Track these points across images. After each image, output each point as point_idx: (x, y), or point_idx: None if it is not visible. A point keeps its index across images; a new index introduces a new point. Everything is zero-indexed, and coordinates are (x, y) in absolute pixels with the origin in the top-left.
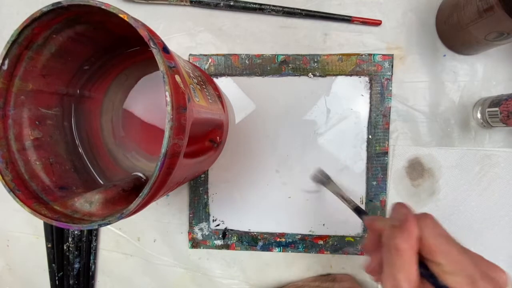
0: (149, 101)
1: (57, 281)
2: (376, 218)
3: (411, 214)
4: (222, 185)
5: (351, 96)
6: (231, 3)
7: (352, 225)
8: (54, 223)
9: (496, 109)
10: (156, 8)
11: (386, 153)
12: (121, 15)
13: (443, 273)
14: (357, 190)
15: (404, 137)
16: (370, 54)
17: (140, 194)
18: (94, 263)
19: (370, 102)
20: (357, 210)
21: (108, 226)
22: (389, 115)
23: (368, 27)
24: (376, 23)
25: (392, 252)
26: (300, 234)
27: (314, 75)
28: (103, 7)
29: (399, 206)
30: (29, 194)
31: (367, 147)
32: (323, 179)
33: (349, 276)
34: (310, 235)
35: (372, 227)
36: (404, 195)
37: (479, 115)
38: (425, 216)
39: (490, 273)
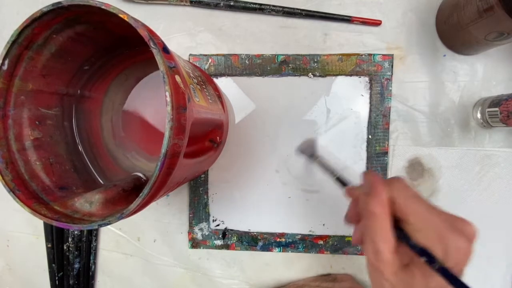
0: (149, 101)
1: (57, 281)
2: (353, 188)
3: (379, 179)
4: (222, 185)
5: (351, 96)
6: (231, 3)
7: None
8: (54, 223)
9: (496, 109)
10: (156, 8)
11: (386, 153)
12: (121, 15)
13: (413, 231)
14: None
15: (404, 137)
16: (370, 54)
17: (140, 194)
18: (94, 263)
19: (370, 102)
20: (339, 180)
21: (108, 226)
22: (389, 115)
23: (368, 27)
24: (376, 23)
25: (367, 217)
26: (300, 234)
27: (314, 75)
28: (103, 7)
29: (367, 174)
30: (29, 194)
31: (367, 147)
32: (309, 152)
33: (349, 276)
34: (310, 235)
35: (350, 196)
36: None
37: (479, 115)
38: (396, 180)
39: (458, 226)
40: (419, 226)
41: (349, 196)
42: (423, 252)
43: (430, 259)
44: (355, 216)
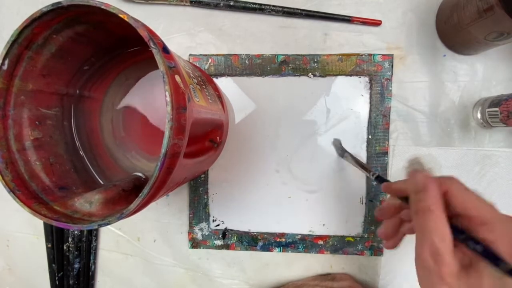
0: (149, 101)
1: (57, 281)
2: (400, 182)
3: (429, 176)
4: (222, 185)
5: (351, 96)
6: (231, 3)
7: (352, 225)
8: (54, 223)
9: (496, 109)
10: (156, 8)
11: (386, 153)
12: (121, 15)
13: (476, 225)
14: (357, 190)
15: (404, 137)
16: (370, 54)
17: (140, 194)
18: (94, 263)
19: (370, 102)
20: (379, 179)
21: (108, 226)
22: (389, 115)
23: (368, 27)
24: (376, 23)
25: (421, 215)
26: (300, 234)
27: (314, 75)
28: (103, 7)
29: (415, 172)
30: (29, 194)
31: (367, 147)
32: (339, 151)
33: (348, 275)
34: (310, 235)
35: (390, 189)
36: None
37: (479, 115)
38: (450, 177)
39: None
40: (483, 219)
41: (388, 191)
42: (485, 251)
43: (493, 257)
44: (391, 210)
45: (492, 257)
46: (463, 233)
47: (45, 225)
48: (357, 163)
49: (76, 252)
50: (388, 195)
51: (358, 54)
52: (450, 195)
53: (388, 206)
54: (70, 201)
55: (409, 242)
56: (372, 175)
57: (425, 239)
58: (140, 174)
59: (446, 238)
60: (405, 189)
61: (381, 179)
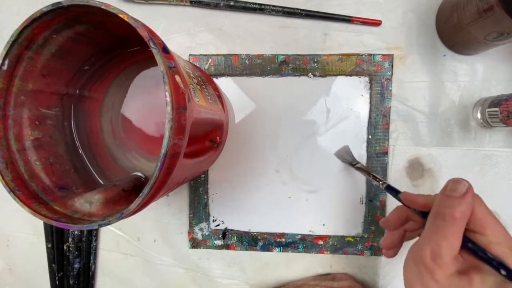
0: (149, 101)
1: (57, 281)
2: (417, 195)
3: (471, 186)
4: (222, 185)
5: (351, 96)
6: (231, 3)
7: (352, 225)
8: (54, 223)
9: (496, 109)
10: (156, 8)
11: (386, 153)
12: (121, 15)
13: (489, 243)
14: (357, 190)
15: (404, 137)
16: (370, 54)
17: (140, 194)
18: (94, 263)
19: (370, 102)
20: (389, 188)
21: (108, 226)
22: (389, 115)
23: (368, 27)
24: (376, 23)
25: (443, 219)
26: (300, 234)
27: (314, 75)
28: (103, 7)
29: (459, 179)
30: (29, 194)
31: (367, 147)
32: (348, 158)
33: (348, 275)
34: (310, 235)
35: (412, 202)
36: (428, 194)
37: (479, 115)
38: (477, 194)
39: None
40: (497, 239)
41: (408, 203)
42: (502, 265)
43: (509, 272)
44: (397, 222)
45: (508, 270)
46: (477, 246)
47: (45, 225)
48: (368, 173)
49: (76, 252)
50: (393, 205)
51: (358, 54)
52: (474, 212)
53: (394, 218)
54: (70, 201)
55: (408, 242)
56: (382, 185)
57: (433, 241)
58: (140, 174)
59: (455, 247)
60: (427, 202)
61: (392, 188)
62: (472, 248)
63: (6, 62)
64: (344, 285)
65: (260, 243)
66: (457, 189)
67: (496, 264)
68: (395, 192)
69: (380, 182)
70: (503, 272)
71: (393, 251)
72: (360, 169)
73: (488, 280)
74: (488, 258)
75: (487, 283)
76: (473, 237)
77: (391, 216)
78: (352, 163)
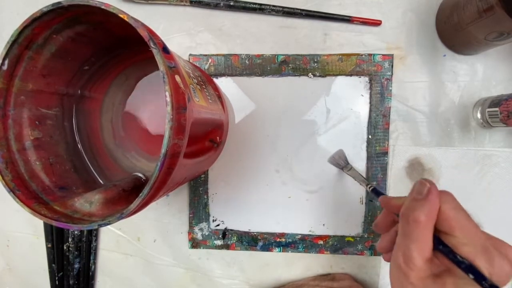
0: (149, 101)
1: (57, 281)
2: (392, 197)
3: (435, 187)
4: (222, 185)
5: (351, 96)
6: (231, 3)
7: (352, 225)
8: (54, 223)
9: (496, 109)
10: (156, 8)
11: (386, 153)
12: (121, 15)
13: (459, 244)
14: (357, 190)
15: (404, 137)
16: (370, 54)
17: (140, 194)
18: (94, 263)
19: (370, 102)
20: (375, 191)
21: (108, 226)
22: (389, 115)
23: (368, 27)
24: (376, 23)
25: (410, 223)
26: (300, 234)
27: (314, 75)
28: (103, 7)
29: (422, 181)
30: (29, 194)
31: (367, 147)
32: (341, 163)
33: (348, 275)
34: (310, 235)
35: (388, 205)
36: (404, 195)
37: (479, 115)
38: (445, 192)
39: (502, 249)
40: (467, 240)
41: (384, 206)
42: (471, 269)
43: (477, 276)
44: (385, 225)
45: (476, 274)
46: (449, 250)
47: (45, 225)
48: (357, 175)
49: (76, 252)
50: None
51: (358, 54)
52: (441, 212)
53: (382, 221)
54: (70, 201)
55: None
56: (369, 188)
57: (404, 245)
58: (140, 174)
59: (425, 249)
60: (399, 205)
61: (377, 191)
62: (443, 250)
63: (6, 62)
64: (344, 285)
65: (260, 243)
66: (421, 191)
67: (465, 267)
68: (377, 195)
69: (368, 186)
70: (471, 275)
71: (390, 254)
72: (350, 172)
73: (461, 284)
74: (457, 261)
75: (460, 287)
76: (444, 238)
77: (379, 219)
78: (344, 168)
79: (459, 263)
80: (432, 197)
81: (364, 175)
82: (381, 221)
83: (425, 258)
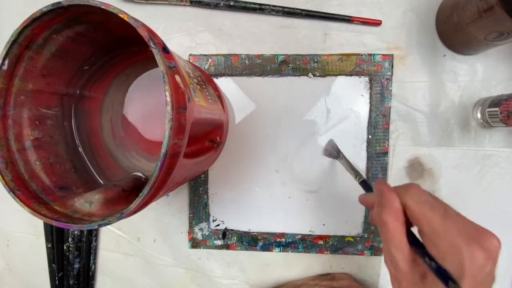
0: (149, 101)
1: (57, 281)
2: (365, 196)
3: (389, 187)
4: (222, 185)
5: (351, 96)
6: (231, 3)
7: (352, 225)
8: (54, 223)
9: (496, 109)
10: (156, 8)
11: (386, 153)
12: (121, 15)
13: (429, 242)
14: (357, 190)
15: (404, 137)
16: (370, 54)
17: (140, 194)
18: (94, 263)
19: (370, 102)
20: (364, 184)
21: (108, 226)
22: (389, 115)
23: (368, 27)
24: (376, 23)
25: (381, 227)
26: (300, 234)
27: (314, 75)
28: (103, 7)
29: (378, 183)
30: (29, 194)
31: (367, 147)
32: (334, 153)
33: (348, 275)
34: (310, 235)
35: (363, 204)
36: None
37: (479, 115)
38: (408, 186)
39: (477, 238)
40: (431, 235)
41: (362, 203)
42: (439, 270)
43: (444, 276)
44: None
45: (444, 276)
46: (420, 247)
47: (45, 225)
48: (349, 166)
49: (76, 252)
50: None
51: (358, 54)
52: (407, 208)
53: (372, 215)
54: (70, 201)
55: None
56: (358, 179)
57: (386, 250)
58: (140, 174)
59: (401, 248)
60: (373, 202)
61: (366, 185)
62: (416, 251)
63: (6, 62)
64: (344, 285)
65: (260, 243)
66: (378, 195)
67: (434, 269)
68: (366, 189)
69: (357, 178)
70: (437, 275)
71: None
72: (343, 162)
73: (439, 284)
74: (427, 263)
75: (439, 284)
76: (420, 235)
77: (370, 213)
78: (337, 157)
79: (429, 265)
80: (387, 197)
81: (364, 175)
82: (371, 215)
83: (407, 259)
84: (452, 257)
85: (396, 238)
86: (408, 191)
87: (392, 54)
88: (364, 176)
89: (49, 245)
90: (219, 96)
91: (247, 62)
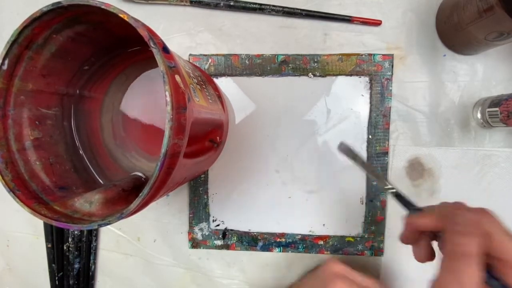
0: (149, 101)
1: (57, 281)
2: (422, 218)
3: (477, 217)
4: (222, 185)
5: (351, 96)
6: (231, 3)
7: (352, 225)
8: (54, 223)
9: (496, 109)
10: (156, 8)
11: (386, 153)
12: (121, 15)
13: (508, 269)
14: (357, 190)
15: (404, 137)
16: (370, 54)
17: (140, 194)
18: (94, 263)
19: (370, 102)
20: (399, 198)
21: (108, 226)
22: (389, 115)
23: (368, 27)
24: (376, 23)
25: (458, 258)
26: (300, 234)
27: (314, 75)
28: (103, 7)
29: (458, 206)
30: (29, 194)
31: (367, 147)
32: (350, 153)
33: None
34: (310, 235)
35: (419, 225)
36: (428, 207)
37: (479, 115)
38: (487, 214)
39: None
40: None
41: (412, 227)
42: None
43: None
44: (413, 240)
45: None
46: (496, 280)
47: (45, 225)
48: (371, 172)
49: (76, 252)
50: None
51: (358, 54)
52: (492, 239)
53: (409, 234)
54: (70, 201)
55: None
56: (390, 191)
57: (456, 281)
58: (140, 174)
59: (478, 283)
60: (436, 227)
61: (401, 199)
62: (490, 278)
63: (6, 62)
64: (327, 262)
65: (260, 243)
66: (459, 223)
67: None
68: (405, 206)
69: (389, 189)
70: None
71: (428, 259)
72: (363, 167)
73: None
74: None
75: None
76: (494, 264)
77: (404, 234)
78: (355, 159)
79: None
80: (478, 230)
81: (364, 175)
82: (407, 237)
83: None
84: None
85: (474, 272)
86: (489, 219)
87: (392, 54)
88: (364, 176)
89: (49, 245)
90: (219, 96)
91: (247, 62)
